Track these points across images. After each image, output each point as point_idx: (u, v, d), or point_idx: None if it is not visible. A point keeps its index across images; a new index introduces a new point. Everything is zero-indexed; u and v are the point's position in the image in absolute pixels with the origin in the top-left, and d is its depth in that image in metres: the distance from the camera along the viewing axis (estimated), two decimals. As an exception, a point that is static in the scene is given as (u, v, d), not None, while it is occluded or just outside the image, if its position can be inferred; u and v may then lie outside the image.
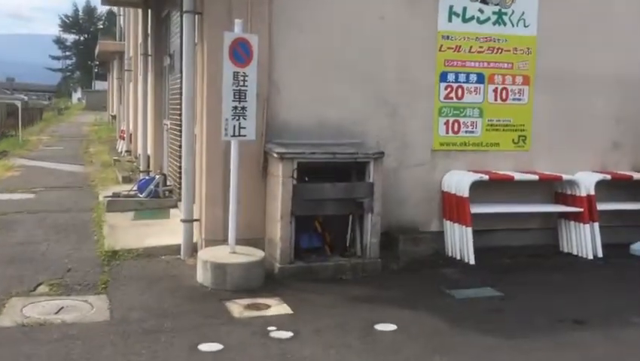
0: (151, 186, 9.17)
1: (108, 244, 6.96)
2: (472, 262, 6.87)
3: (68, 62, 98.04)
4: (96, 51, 24.18)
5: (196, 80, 6.73)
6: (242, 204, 6.28)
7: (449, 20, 7.21)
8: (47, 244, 7.14)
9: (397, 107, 7.16)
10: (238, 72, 5.79)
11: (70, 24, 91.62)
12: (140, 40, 12.39)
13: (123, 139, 18.38)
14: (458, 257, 7.04)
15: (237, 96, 5.82)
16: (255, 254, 6.09)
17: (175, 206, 8.86)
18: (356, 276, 6.31)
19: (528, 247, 7.50)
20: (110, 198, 9.13)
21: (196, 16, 6.59)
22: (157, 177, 9.37)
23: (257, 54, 5.88)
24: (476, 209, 6.97)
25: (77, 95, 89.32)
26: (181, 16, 6.63)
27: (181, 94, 7.54)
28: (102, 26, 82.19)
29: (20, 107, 23.95)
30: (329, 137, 6.84)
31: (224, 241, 6.28)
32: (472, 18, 7.29)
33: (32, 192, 11.17)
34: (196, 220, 6.79)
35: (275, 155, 6.21)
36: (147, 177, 9.69)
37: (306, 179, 6.32)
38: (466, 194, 6.92)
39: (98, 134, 26.89)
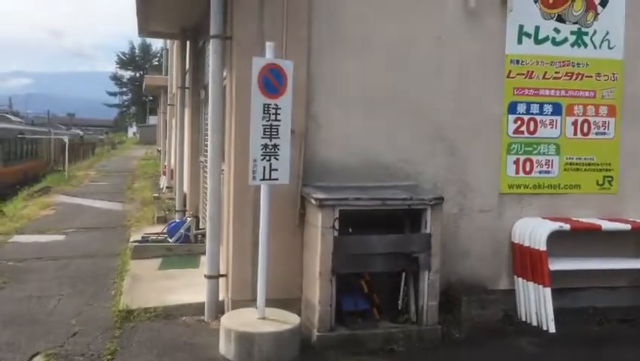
0: (181, 230, 8.34)
1: (125, 300, 6.09)
2: (552, 329, 5.67)
3: (125, 97, 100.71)
4: (143, 86, 24.03)
5: (224, 114, 5.88)
6: (274, 259, 5.33)
7: (519, 42, 6.16)
8: (57, 300, 6.33)
9: (457, 144, 6.12)
10: (269, 104, 4.89)
11: (126, 61, 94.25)
12: (179, 72, 11.78)
13: (165, 175, 17.83)
14: (534, 323, 5.85)
15: (268, 132, 4.90)
16: (288, 320, 5.08)
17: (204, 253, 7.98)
18: (411, 347, 5.23)
19: (618, 310, 6.25)
20: (136, 244, 8.33)
21: (226, 41, 5.77)
22: (189, 219, 8.54)
23: (291, 83, 4.97)
24: (556, 265, 5.80)
25: (132, 129, 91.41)
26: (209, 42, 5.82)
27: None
28: (156, 63, 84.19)
29: (67, 142, 23.89)
30: (377, 179, 5.86)
31: (254, 300, 5.30)
32: (546, 39, 6.21)
33: (62, 234, 10.55)
34: (222, 276, 5.85)
35: (313, 201, 5.25)
36: (177, 220, 8.87)
37: (350, 230, 5.32)
38: (543, 246, 5.76)
39: (144, 170, 26.64)
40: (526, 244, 5.96)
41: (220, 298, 5.91)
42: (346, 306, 5.39)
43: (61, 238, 10.13)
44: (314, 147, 5.73)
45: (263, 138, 4.89)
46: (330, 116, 5.76)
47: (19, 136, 23.10)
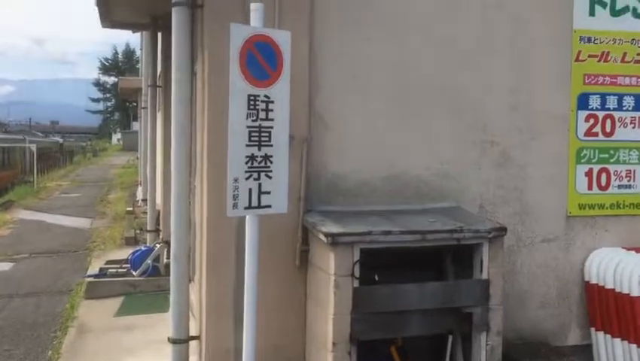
0: (148, 261, 6.69)
1: (61, 370, 4.43)
2: (653, 408, 4.10)
3: (108, 103, 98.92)
4: (119, 89, 22.31)
5: (194, 112, 4.26)
6: (264, 316, 3.71)
7: (591, 14, 4.62)
8: (-32, 370, 4.66)
9: (510, 151, 4.55)
10: (256, 95, 3.26)
11: (109, 67, 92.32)
12: (149, 70, 10.10)
13: (142, 185, 16.12)
14: (624, 396, 4.28)
15: (255, 138, 3.27)
16: (289, 414, 3.45)
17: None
18: None
19: None
20: (91, 279, 6.67)
21: (196, 11, 4.16)
22: (157, 246, 6.89)
23: (289, 65, 3.35)
24: (654, 316, 4.23)
25: (116, 136, 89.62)
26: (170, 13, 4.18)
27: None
28: (139, 67, 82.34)
29: (36, 151, 22.02)
30: (405, 199, 4.29)
31: (238, 376, 3.65)
32: (626, 9, 4.69)
33: (11, 260, 8.88)
34: (193, 339, 4.21)
35: (322, 236, 3.62)
36: (142, 248, 7.21)
37: (376, 277, 3.71)
38: (636, 291, 4.19)
39: (122, 179, 24.84)
40: (609, 285, 4.38)
41: (193, 366, 4.28)
42: (370, 382, 3.79)
43: (7, 267, 8.45)
44: (320, 157, 4.11)
45: (248, 145, 3.25)
46: (343, 114, 4.16)
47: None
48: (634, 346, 4.21)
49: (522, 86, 4.55)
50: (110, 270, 6.93)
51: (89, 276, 6.87)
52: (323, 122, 4.11)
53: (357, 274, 3.57)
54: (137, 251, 7.01)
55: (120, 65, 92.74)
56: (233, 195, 3.23)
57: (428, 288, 3.73)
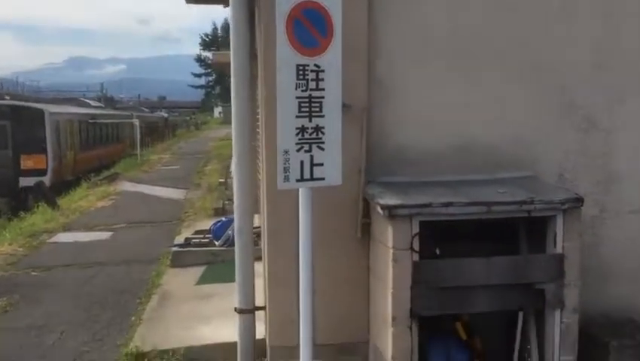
0: (229, 231, 6.84)
1: (140, 336, 4.64)
2: None
3: (209, 78, 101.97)
4: (212, 63, 22.89)
5: (253, 83, 4.25)
6: (326, 289, 3.72)
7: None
8: (59, 334, 4.99)
9: (594, 114, 4.18)
10: (305, 65, 3.16)
11: (209, 42, 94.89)
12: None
13: (235, 157, 16.57)
14: None
15: (305, 108, 3.19)
16: (348, 388, 3.41)
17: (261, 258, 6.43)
18: None
19: None
20: (176, 249, 6.93)
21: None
22: (238, 217, 7.01)
23: (340, 31, 3.21)
24: None
25: (217, 109, 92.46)
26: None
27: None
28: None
29: (138, 125, 23.14)
30: (475, 169, 4.04)
31: (302, 346, 3.66)
32: None
33: (109, 230, 9.43)
34: (259, 309, 4.26)
35: (380, 208, 3.50)
36: (223, 219, 7.38)
37: (437, 251, 3.55)
38: None
39: (220, 151, 25.64)
40: None
41: (261, 335, 4.34)
42: (436, 358, 3.66)
43: (106, 236, 8.99)
44: (383, 126, 3.97)
45: (298, 117, 3.17)
46: (406, 80, 3.97)
47: (91, 121, 22.54)
48: None
49: (611, 39, 4.13)
50: (194, 240, 7.17)
51: (175, 245, 7.14)
52: (385, 89, 3.94)
53: (416, 247, 3.42)
54: (218, 222, 7.20)
55: (219, 39, 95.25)
56: (284, 167, 3.17)
57: (496, 263, 3.52)
